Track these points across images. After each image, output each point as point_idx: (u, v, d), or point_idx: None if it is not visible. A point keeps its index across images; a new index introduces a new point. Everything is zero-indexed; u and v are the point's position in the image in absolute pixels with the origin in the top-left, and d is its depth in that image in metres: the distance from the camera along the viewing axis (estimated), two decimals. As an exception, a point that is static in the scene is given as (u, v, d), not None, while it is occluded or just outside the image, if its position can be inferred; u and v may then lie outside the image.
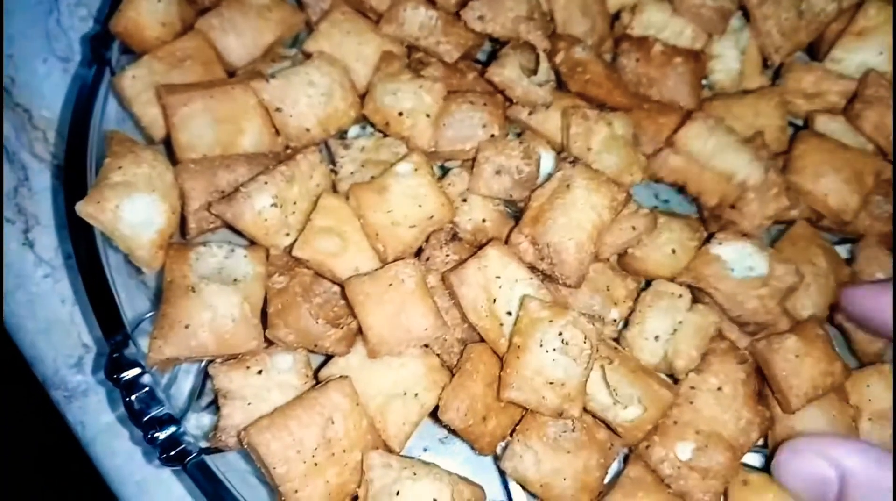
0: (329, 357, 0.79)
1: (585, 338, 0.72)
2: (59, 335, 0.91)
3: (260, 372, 0.76)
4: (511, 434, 0.78)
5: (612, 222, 0.79)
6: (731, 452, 0.75)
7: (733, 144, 0.83)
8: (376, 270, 0.76)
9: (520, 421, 0.78)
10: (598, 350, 0.74)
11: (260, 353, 0.77)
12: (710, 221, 0.91)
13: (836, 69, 0.94)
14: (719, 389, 0.77)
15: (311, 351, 0.78)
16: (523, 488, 0.79)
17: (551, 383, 0.71)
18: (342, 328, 0.77)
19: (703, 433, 0.75)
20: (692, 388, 0.78)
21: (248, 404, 0.74)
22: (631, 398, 0.75)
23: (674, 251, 0.84)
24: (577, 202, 0.76)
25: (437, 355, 0.79)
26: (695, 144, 0.83)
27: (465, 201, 0.84)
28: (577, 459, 0.75)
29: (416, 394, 0.76)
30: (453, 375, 0.77)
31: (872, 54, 0.92)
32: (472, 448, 0.76)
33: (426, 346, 0.78)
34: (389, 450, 0.75)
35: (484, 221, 0.84)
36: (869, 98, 0.89)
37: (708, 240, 0.85)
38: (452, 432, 0.75)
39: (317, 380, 0.78)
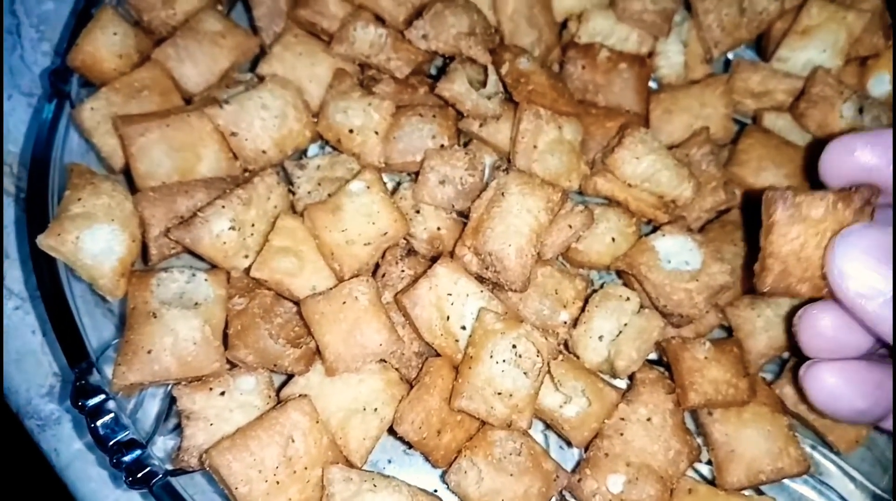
0: (291, 377, 0.81)
1: (538, 352, 0.73)
2: (30, 365, 0.92)
3: (223, 393, 0.77)
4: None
5: (551, 223, 0.79)
6: (661, 483, 0.76)
7: (663, 170, 0.84)
8: (331, 288, 0.78)
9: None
10: (549, 365, 0.74)
11: (223, 375, 0.78)
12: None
13: (782, 68, 0.95)
14: (648, 419, 0.78)
15: (272, 371, 0.79)
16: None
17: (500, 393, 0.72)
18: (301, 347, 0.78)
19: (634, 465, 0.76)
20: (622, 419, 0.78)
21: (211, 424, 0.76)
22: (575, 389, 0.76)
23: (613, 240, 0.86)
24: (512, 208, 0.77)
25: (396, 369, 0.80)
26: (626, 169, 0.84)
27: (418, 212, 0.85)
28: (519, 483, 0.74)
29: (376, 409, 0.77)
30: (412, 388, 0.78)
31: (816, 52, 0.93)
32: (428, 460, 0.77)
33: (384, 361, 0.80)
34: (351, 465, 0.76)
35: (439, 229, 0.85)
36: (814, 97, 0.90)
37: (654, 230, 0.86)
38: (410, 444, 0.76)
39: (279, 400, 0.79)
